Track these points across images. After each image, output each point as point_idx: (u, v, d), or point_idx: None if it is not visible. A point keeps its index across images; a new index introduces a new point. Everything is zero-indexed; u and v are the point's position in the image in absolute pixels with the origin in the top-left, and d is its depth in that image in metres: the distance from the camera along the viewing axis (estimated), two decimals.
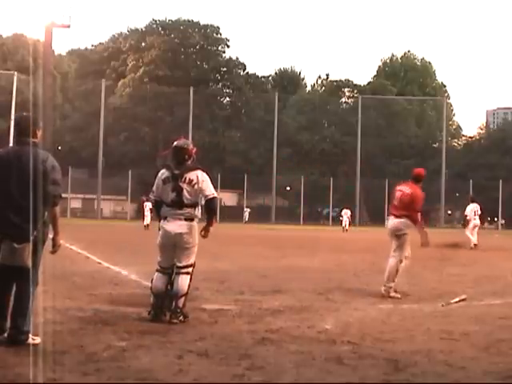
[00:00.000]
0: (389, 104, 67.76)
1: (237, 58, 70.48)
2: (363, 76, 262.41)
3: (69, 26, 53.98)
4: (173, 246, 6.40)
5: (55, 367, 4.38)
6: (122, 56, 65.83)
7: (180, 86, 59.26)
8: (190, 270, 6.36)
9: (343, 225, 42.86)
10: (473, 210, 20.59)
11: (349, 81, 73.05)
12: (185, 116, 58.88)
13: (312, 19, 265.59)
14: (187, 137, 58.29)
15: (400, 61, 79.89)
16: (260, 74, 76.21)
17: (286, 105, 67.94)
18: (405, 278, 10.81)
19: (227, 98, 71.13)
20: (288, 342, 5.41)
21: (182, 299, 6.22)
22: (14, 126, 5.45)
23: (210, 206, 6.41)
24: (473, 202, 20.92)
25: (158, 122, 61.82)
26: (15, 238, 4.98)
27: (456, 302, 7.86)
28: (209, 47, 68.68)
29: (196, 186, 6.27)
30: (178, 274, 6.34)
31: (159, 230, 6.67)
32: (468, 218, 20.68)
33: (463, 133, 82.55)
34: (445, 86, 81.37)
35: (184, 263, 6.34)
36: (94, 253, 14.43)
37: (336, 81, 73.59)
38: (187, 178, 6.27)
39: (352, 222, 48.07)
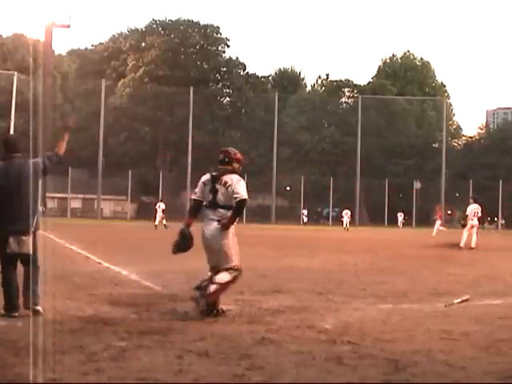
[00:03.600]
0: (389, 104, 67.78)
1: (237, 58, 70.54)
2: (363, 76, 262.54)
3: (69, 26, 54.15)
4: (209, 248, 6.61)
5: (55, 367, 4.38)
6: (122, 56, 65.81)
7: (180, 86, 59.24)
8: (231, 271, 6.55)
9: (344, 225, 43.01)
10: (473, 210, 20.57)
11: (349, 81, 73.10)
12: (185, 116, 58.86)
13: (312, 19, 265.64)
14: (187, 137, 58.38)
15: (400, 61, 79.90)
16: (260, 74, 76.25)
17: (286, 105, 67.92)
18: (405, 278, 10.84)
19: (227, 98, 71.14)
20: (288, 342, 5.41)
21: (214, 286, 6.39)
22: (4, 144, 6.51)
23: (238, 205, 6.53)
24: (475, 202, 20.89)
25: (158, 121, 61.81)
26: (22, 232, 6.25)
27: (459, 303, 7.86)
28: (209, 47, 68.67)
29: (229, 189, 6.50)
30: (220, 271, 6.59)
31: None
32: (468, 218, 20.67)
33: (463, 133, 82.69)
34: (445, 86, 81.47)
35: (226, 266, 6.57)
36: (94, 253, 14.42)
37: (336, 81, 73.60)
38: (223, 181, 6.55)
39: (352, 222, 48.11)
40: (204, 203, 6.64)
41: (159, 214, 34.24)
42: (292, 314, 6.95)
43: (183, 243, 6.68)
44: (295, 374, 4.45)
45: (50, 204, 55.77)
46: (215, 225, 6.49)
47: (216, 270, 6.62)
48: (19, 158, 6.46)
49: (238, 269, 6.64)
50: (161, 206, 34.62)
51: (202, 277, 10.24)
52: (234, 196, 6.46)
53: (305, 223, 57.49)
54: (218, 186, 6.54)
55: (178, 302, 7.50)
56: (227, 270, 6.55)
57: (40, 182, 6.67)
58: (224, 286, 6.53)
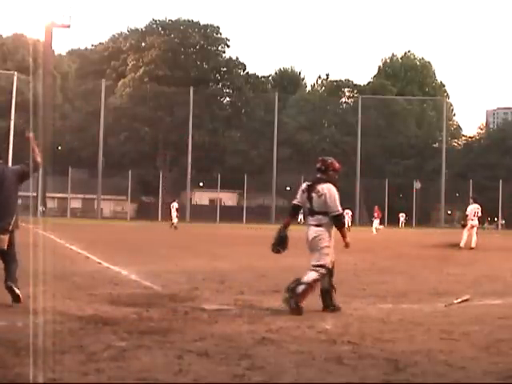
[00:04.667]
0: (389, 104, 67.80)
1: (237, 58, 70.57)
2: (363, 76, 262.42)
3: (69, 26, 54.19)
4: (310, 249, 7.17)
5: (55, 367, 4.38)
6: (122, 56, 65.81)
7: (180, 86, 59.24)
8: (321, 270, 6.95)
9: (345, 225, 43.24)
10: (473, 210, 20.57)
11: (349, 81, 73.14)
12: (185, 116, 58.86)
13: (312, 19, 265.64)
14: (187, 137, 58.39)
15: (400, 61, 79.96)
16: (260, 74, 76.30)
17: (286, 105, 67.92)
18: (405, 278, 10.84)
19: (227, 98, 71.15)
20: (288, 342, 5.41)
21: (303, 286, 6.82)
22: None
23: (336, 223, 7.09)
24: (475, 202, 20.89)
25: (158, 121, 61.82)
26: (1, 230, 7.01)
27: (459, 303, 7.86)
28: (209, 47, 68.67)
29: (322, 198, 7.02)
30: (311, 270, 7.01)
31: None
32: (468, 218, 20.67)
33: (463, 133, 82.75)
34: (444, 86, 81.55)
35: (315, 263, 7.01)
36: (94, 253, 14.42)
37: (336, 81, 73.63)
38: (317, 189, 7.06)
39: (352, 222, 48.10)
40: (302, 207, 7.26)
41: (174, 214, 34.43)
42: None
43: (281, 243, 7.36)
44: (295, 374, 4.45)
45: (50, 204, 55.77)
46: (314, 229, 7.05)
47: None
48: (0, 164, 7.31)
49: (327, 267, 7.00)
50: (174, 205, 34.94)
51: (201, 277, 10.28)
52: (328, 210, 6.98)
53: (300, 223, 57.50)
54: (313, 195, 7.07)
55: (178, 302, 7.50)
56: (315, 266, 6.97)
57: (18, 186, 7.39)
58: (312, 285, 6.90)
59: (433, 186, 61.40)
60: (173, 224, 33.80)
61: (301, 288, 6.80)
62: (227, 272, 11.20)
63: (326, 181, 7.10)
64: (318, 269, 6.95)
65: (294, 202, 7.36)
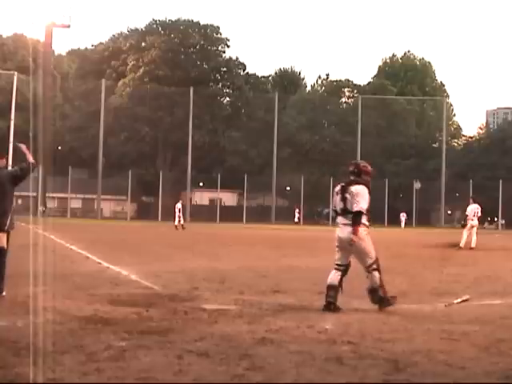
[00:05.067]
0: (389, 104, 67.77)
1: (237, 58, 70.57)
2: (363, 76, 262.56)
3: (69, 26, 54.19)
4: (345, 249, 7.36)
5: (55, 367, 4.38)
6: (122, 56, 65.77)
7: (180, 86, 59.24)
8: (374, 266, 7.30)
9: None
10: (473, 210, 20.58)
11: (349, 81, 73.13)
12: (185, 116, 58.85)
13: (312, 19, 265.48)
14: (187, 137, 58.39)
15: (400, 61, 79.94)
16: (260, 74, 76.42)
17: (286, 105, 67.90)
18: (405, 278, 10.83)
19: (227, 98, 71.12)
20: (288, 342, 5.41)
21: (380, 290, 7.25)
22: None
23: (354, 217, 7.32)
24: (474, 202, 20.89)
25: (157, 121, 61.81)
26: None
27: (459, 303, 7.86)
28: (209, 47, 68.64)
29: (354, 198, 7.30)
30: (368, 272, 7.34)
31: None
32: (468, 218, 20.67)
33: (463, 133, 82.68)
34: (444, 86, 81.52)
35: (365, 264, 7.34)
36: (94, 253, 14.42)
37: (336, 81, 73.63)
38: (350, 190, 7.34)
39: None
40: (337, 210, 7.51)
41: (178, 215, 34.61)
42: (292, 313, 6.95)
43: None
44: (295, 374, 4.45)
45: (50, 204, 55.73)
46: (349, 229, 7.25)
47: (342, 269, 7.47)
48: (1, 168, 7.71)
49: (376, 260, 7.37)
50: (178, 206, 35.10)
51: (201, 277, 10.27)
52: (352, 207, 7.27)
53: (297, 222, 57.43)
54: (346, 195, 7.35)
55: (178, 302, 7.50)
56: (369, 267, 7.31)
57: (14, 188, 7.76)
58: (382, 283, 7.30)
59: (433, 186, 61.32)
60: (179, 224, 34.11)
61: (380, 292, 7.28)
62: (227, 272, 11.20)
63: (359, 182, 7.42)
64: (373, 267, 7.30)
65: (333, 208, 7.78)
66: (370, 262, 7.31)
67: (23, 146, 7.89)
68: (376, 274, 7.30)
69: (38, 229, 20.63)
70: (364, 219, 7.34)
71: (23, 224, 18.70)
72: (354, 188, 7.33)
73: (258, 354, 4.97)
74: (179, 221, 34.52)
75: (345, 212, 7.35)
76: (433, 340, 5.69)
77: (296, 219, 58.61)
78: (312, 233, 32.91)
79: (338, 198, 7.48)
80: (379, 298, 7.26)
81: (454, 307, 7.65)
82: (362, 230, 7.27)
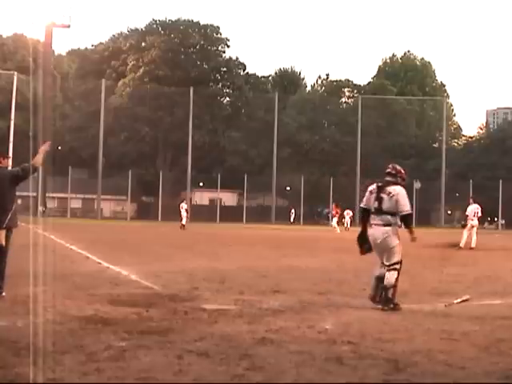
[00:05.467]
0: (389, 104, 67.75)
1: (237, 58, 70.55)
2: (363, 76, 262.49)
3: (69, 26, 54.15)
4: (378, 248, 7.52)
5: (55, 367, 4.38)
6: (122, 56, 65.76)
7: (180, 86, 59.23)
8: (396, 266, 7.41)
9: (345, 225, 43.22)
10: (473, 210, 20.59)
11: (349, 81, 73.10)
12: (185, 116, 58.84)
13: (312, 19, 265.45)
14: (187, 137, 58.39)
15: (400, 61, 79.95)
16: (260, 74, 76.41)
17: (286, 105, 67.89)
18: (405, 278, 10.83)
19: (227, 98, 71.10)
20: (288, 342, 5.41)
21: (391, 290, 7.30)
22: None
23: (406, 221, 7.57)
24: (474, 202, 20.91)
25: (157, 121, 61.80)
26: None
27: (459, 303, 7.86)
28: (209, 47, 68.63)
29: (393, 198, 7.42)
30: (387, 270, 7.42)
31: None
32: (468, 218, 20.68)
33: (463, 133, 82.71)
34: (445, 86, 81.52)
35: (390, 262, 7.41)
36: (94, 253, 14.42)
37: (336, 81, 73.61)
38: (387, 191, 7.48)
39: (353, 222, 48.09)
40: (370, 209, 7.57)
41: (183, 214, 34.66)
42: (292, 313, 6.95)
43: (367, 246, 7.65)
44: (295, 374, 4.45)
45: (50, 204, 55.73)
46: (383, 229, 7.40)
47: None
48: (1, 168, 7.82)
49: (400, 261, 7.45)
50: (183, 206, 35.20)
51: (201, 277, 10.28)
52: (399, 210, 7.42)
53: (292, 223, 57.29)
54: (382, 195, 7.46)
55: (178, 302, 7.50)
56: (391, 266, 7.39)
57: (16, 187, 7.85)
58: (396, 284, 7.39)
59: (433, 186, 61.30)
60: (183, 225, 34.20)
61: (390, 292, 7.31)
62: (227, 272, 11.20)
63: (396, 183, 7.58)
64: (395, 266, 7.39)
65: (362, 205, 7.78)
66: (395, 260, 7.40)
67: (45, 147, 8.04)
68: (395, 273, 7.38)
69: (38, 229, 20.64)
70: (396, 219, 7.49)
71: (23, 224, 18.68)
72: (393, 188, 7.47)
73: (258, 353, 4.97)
74: (183, 219, 34.75)
75: (379, 212, 7.44)
76: (433, 340, 5.69)
77: (291, 219, 58.55)
78: (312, 233, 32.94)
79: (372, 197, 7.56)
80: (386, 297, 7.30)
81: (454, 307, 7.65)
82: (396, 230, 7.46)
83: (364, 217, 7.77)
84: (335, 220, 37.35)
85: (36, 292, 7.50)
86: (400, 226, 7.55)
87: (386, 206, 7.40)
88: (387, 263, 7.42)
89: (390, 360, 4.84)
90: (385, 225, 7.41)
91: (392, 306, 7.28)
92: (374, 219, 7.50)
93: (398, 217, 7.45)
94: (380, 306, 7.30)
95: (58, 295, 7.60)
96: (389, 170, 7.75)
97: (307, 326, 6.14)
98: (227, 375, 4.37)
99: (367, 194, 7.69)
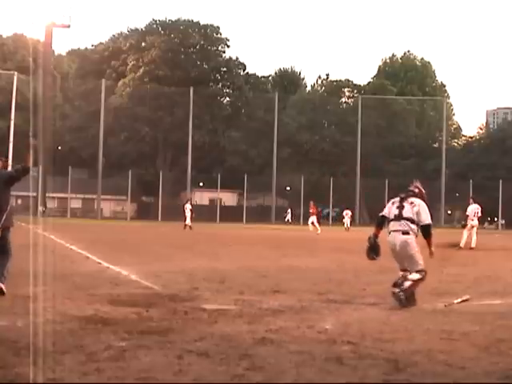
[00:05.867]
0: (389, 104, 67.73)
1: (237, 58, 70.52)
2: (363, 76, 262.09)
3: (69, 26, 54.25)
4: (398, 255, 7.76)
5: (55, 367, 4.38)
6: (122, 56, 65.75)
7: (180, 86, 59.23)
8: (422, 273, 7.60)
9: (345, 225, 43.23)
10: (473, 210, 20.59)
11: (349, 81, 73.03)
12: (185, 116, 58.85)
13: (312, 19, 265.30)
14: (187, 137, 58.40)
15: (400, 61, 79.93)
16: (260, 74, 76.41)
17: (286, 105, 67.89)
18: None
19: (227, 98, 71.08)
20: (288, 342, 5.41)
21: (409, 282, 7.49)
22: None
23: (425, 232, 7.81)
24: (474, 202, 20.92)
25: (157, 121, 61.79)
26: None
27: (459, 303, 7.86)
28: (209, 47, 68.62)
29: (414, 208, 7.73)
30: (412, 272, 7.63)
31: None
32: (468, 218, 20.68)
33: (463, 133, 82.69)
34: (445, 86, 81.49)
35: (417, 268, 7.61)
36: (94, 253, 14.42)
37: (336, 81, 73.55)
38: (409, 200, 7.83)
39: (352, 222, 48.10)
40: (388, 218, 7.88)
41: (188, 215, 34.81)
42: (292, 313, 6.95)
43: (374, 251, 7.99)
44: (295, 374, 4.45)
45: (50, 204, 55.74)
46: (402, 236, 7.64)
47: (405, 270, 7.74)
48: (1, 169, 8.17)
49: (425, 270, 7.66)
50: (188, 207, 35.31)
51: (201, 277, 10.28)
52: (420, 220, 7.70)
53: (289, 222, 57.11)
54: (404, 204, 7.80)
55: (178, 302, 7.50)
56: (417, 271, 7.61)
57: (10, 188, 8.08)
58: (416, 283, 7.57)
59: (433, 186, 61.33)
60: (187, 225, 34.17)
61: (407, 284, 7.50)
62: (227, 272, 11.20)
63: (417, 196, 7.93)
64: (420, 272, 7.59)
65: (382, 213, 8.04)
66: (419, 268, 7.61)
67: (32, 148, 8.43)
68: (418, 275, 7.56)
69: (38, 229, 20.64)
70: (415, 228, 7.70)
71: (23, 224, 18.71)
72: (416, 199, 7.83)
73: (258, 353, 4.96)
74: (188, 219, 34.74)
75: (399, 218, 7.71)
76: (433, 340, 5.69)
77: (287, 219, 58.15)
78: (312, 233, 32.91)
79: (393, 206, 7.88)
80: (401, 285, 7.51)
81: (454, 307, 7.65)
82: (414, 238, 7.65)
83: (380, 223, 8.06)
84: (312, 219, 35.68)
85: (36, 292, 7.50)
86: (416, 236, 7.72)
87: (406, 213, 7.68)
88: (412, 270, 7.65)
89: (389, 360, 4.84)
90: (404, 232, 7.64)
91: (403, 296, 7.42)
92: (394, 226, 7.76)
93: (417, 226, 7.68)
94: (397, 290, 7.49)
95: (57, 295, 7.60)
96: (412, 188, 8.08)
97: (307, 326, 6.14)
98: (227, 375, 4.37)
99: (389, 204, 8.02)
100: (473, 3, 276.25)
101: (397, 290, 7.50)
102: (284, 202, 67.48)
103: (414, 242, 7.63)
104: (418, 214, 7.69)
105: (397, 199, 7.96)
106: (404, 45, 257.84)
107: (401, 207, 7.77)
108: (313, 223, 35.02)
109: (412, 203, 7.75)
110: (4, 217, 7.74)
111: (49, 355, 4.61)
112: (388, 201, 8.36)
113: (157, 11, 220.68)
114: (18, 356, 4.67)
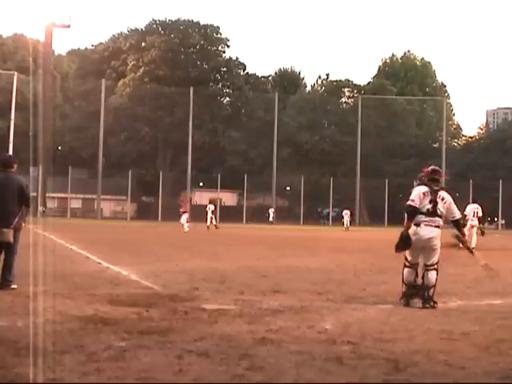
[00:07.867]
0: (389, 104, 67.73)
1: (237, 58, 70.55)
2: (363, 76, 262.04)
3: (69, 26, 54.21)
4: (422, 248, 7.87)
5: (55, 367, 4.38)
6: (122, 56, 65.77)
7: (180, 86, 59.24)
8: (436, 266, 7.90)
9: (344, 225, 43.26)
10: (472, 210, 20.53)
11: (349, 81, 73.03)
12: (185, 116, 58.86)
13: (312, 19, 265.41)
14: (187, 137, 58.41)
15: (400, 61, 79.91)
16: (260, 74, 76.36)
17: (286, 105, 67.89)
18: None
19: (227, 98, 71.10)
20: (288, 342, 5.41)
21: (432, 290, 7.75)
22: (1, 162, 8.63)
23: (455, 223, 8.18)
24: (474, 201, 20.85)
25: (157, 121, 61.80)
26: (4, 226, 8.20)
27: (483, 266, 8.58)
28: (209, 47, 68.64)
29: (446, 204, 7.91)
30: (427, 270, 7.86)
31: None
32: (466, 218, 20.62)
33: (463, 133, 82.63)
34: (445, 86, 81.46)
35: (431, 262, 7.88)
36: (94, 253, 14.43)
37: (336, 81, 73.55)
38: (441, 196, 7.90)
39: (352, 222, 48.12)
40: (422, 210, 7.82)
41: (210, 216, 35.55)
42: (292, 313, 6.95)
43: (405, 243, 7.86)
44: (295, 374, 4.45)
45: (50, 204, 55.75)
46: (434, 229, 7.81)
47: (415, 267, 7.93)
48: (12, 172, 8.53)
49: (438, 261, 7.98)
50: (210, 207, 35.68)
51: (201, 277, 10.27)
52: (452, 215, 7.99)
53: (270, 222, 55.07)
54: (437, 199, 7.86)
55: (178, 302, 7.49)
56: (431, 265, 7.87)
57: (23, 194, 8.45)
58: (435, 284, 7.82)
59: None
60: (212, 225, 34.85)
61: (431, 291, 7.77)
62: (227, 272, 11.20)
63: (444, 189, 8.07)
64: (434, 266, 7.87)
65: (413, 204, 7.84)
66: (436, 260, 7.88)
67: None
68: (434, 273, 7.81)
69: (38, 229, 20.62)
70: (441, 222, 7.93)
71: (23, 224, 18.67)
72: (445, 194, 7.95)
73: (258, 354, 4.96)
74: (211, 221, 35.34)
75: (433, 214, 7.80)
76: (433, 340, 5.69)
77: (270, 219, 56.41)
78: (312, 233, 32.94)
79: (426, 199, 7.84)
80: (427, 296, 7.66)
81: (453, 307, 7.66)
82: (440, 232, 7.88)
83: (413, 216, 7.94)
84: (186, 217, 33.64)
85: (36, 292, 7.50)
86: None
87: (440, 210, 7.83)
88: (428, 263, 7.84)
89: (389, 360, 4.84)
90: (436, 226, 7.84)
91: (432, 303, 7.63)
92: (426, 220, 7.83)
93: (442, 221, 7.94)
94: (419, 306, 7.60)
95: (58, 295, 7.60)
96: (436, 177, 8.08)
97: (307, 326, 6.14)
98: (227, 375, 4.37)
99: (420, 194, 7.86)
100: (473, 3, 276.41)
101: (427, 305, 7.62)
102: (284, 202, 67.48)
103: (439, 236, 7.91)
104: (448, 209, 7.90)
105: (427, 190, 7.87)
106: (404, 45, 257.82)
107: (434, 202, 7.83)
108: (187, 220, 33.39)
109: (443, 199, 7.88)
110: (16, 219, 8.26)
111: (49, 355, 4.61)
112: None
113: (157, 11, 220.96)
114: (18, 356, 4.67)
